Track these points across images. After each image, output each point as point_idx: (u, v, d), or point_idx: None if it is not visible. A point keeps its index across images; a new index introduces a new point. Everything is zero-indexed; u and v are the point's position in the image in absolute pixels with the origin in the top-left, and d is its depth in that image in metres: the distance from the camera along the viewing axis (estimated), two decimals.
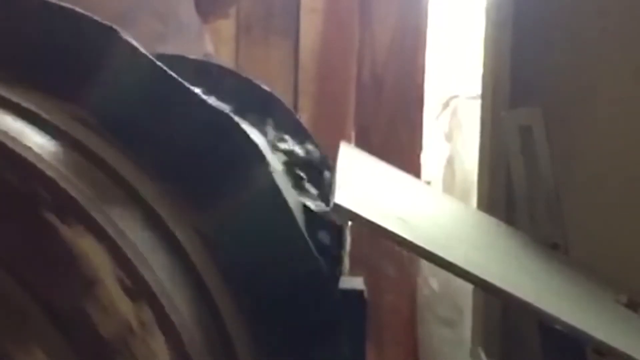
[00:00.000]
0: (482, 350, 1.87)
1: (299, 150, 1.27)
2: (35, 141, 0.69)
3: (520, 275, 1.18)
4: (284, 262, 0.78)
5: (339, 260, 1.36)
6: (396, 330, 2.46)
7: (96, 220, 0.64)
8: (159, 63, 0.77)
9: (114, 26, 0.76)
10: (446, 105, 2.47)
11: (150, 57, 0.77)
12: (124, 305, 0.63)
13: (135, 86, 0.76)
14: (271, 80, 2.36)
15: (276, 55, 2.41)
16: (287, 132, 1.32)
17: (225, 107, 0.80)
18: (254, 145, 0.80)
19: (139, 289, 0.64)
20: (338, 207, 0.85)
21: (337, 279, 1.15)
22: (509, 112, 1.72)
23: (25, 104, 0.73)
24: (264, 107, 1.28)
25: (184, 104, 0.77)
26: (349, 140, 2.42)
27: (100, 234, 0.64)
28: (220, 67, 1.33)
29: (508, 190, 1.76)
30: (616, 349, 0.99)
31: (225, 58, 2.35)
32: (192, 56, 1.24)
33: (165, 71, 0.77)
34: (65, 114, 0.73)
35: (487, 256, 1.16)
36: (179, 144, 0.77)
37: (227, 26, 2.38)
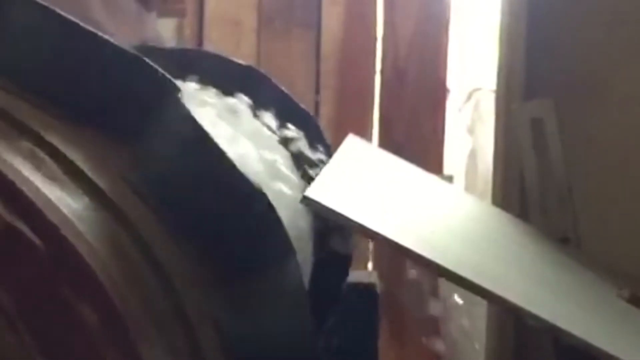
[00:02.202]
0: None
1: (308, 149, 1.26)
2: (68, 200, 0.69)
3: (514, 273, 1.17)
4: (207, 185, 0.77)
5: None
6: (418, 326, 2.45)
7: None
8: (57, 10, 0.76)
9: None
10: (469, 98, 2.46)
11: (50, 6, 0.76)
12: None
13: (37, 36, 0.76)
14: (293, 73, 2.37)
15: (298, 48, 2.42)
16: (284, 117, 1.31)
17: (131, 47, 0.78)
18: (163, 76, 0.78)
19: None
20: (307, 200, 0.85)
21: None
22: (521, 104, 1.71)
23: None
24: (250, 86, 1.27)
25: (86, 45, 0.76)
26: (371, 133, 2.42)
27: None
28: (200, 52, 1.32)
29: (521, 183, 1.74)
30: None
31: (246, 51, 2.36)
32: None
33: (63, 16, 0.76)
34: None
35: (478, 253, 1.15)
36: (90, 88, 0.76)
37: (248, 19, 2.39)
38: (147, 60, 0.78)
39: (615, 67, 1.72)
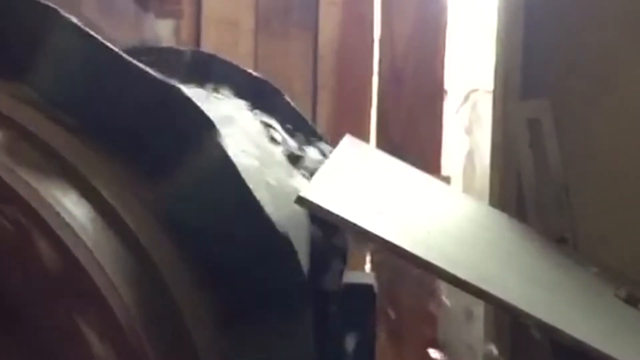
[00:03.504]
0: (494, 346, 1.86)
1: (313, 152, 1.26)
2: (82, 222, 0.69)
3: (510, 274, 1.17)
4: (235, 229, 0.77)
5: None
6: (416, 325, 2.45)
7: (31, 205, 0.65)
8: (99, 37, 0.77)
9: (53, 5, 0.76)
10: (466, 98, 2.46)
11: (92, 34, 0.77)
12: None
13: (78, 62, 0.76)
14: (290, 74, 2.37)
15: (295, 49, 2.41)
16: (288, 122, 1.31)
17: (172, 80, 0.78)
18: (202, 113, 0.78)
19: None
20: (302, 200, 0.85)
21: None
22: (518, 105, 1.71)
23: None
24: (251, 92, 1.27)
25: (125, 76, 0.76)
26: (368, 134, 2.42)
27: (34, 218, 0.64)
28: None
29: (518, 184, 1.75)
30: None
31: (244, 52, 2.36)
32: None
33: (105, 45, 0.76)
34: (7, 94, 0.74)
35: (475, 253, 1.15)
36: (123, 117, 0.76)
37: (246, 20, 2.39)
38: (186, 93, 0.78)
39: (612, 68, 1.72)
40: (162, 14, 1.88)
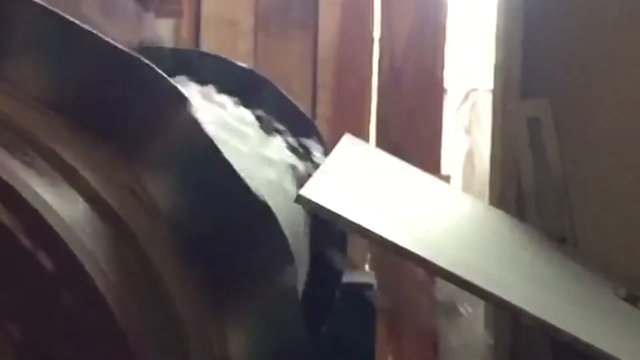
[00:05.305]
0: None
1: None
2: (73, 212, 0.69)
3: (510, 272, 1.17)
4: (218, 201, 0.77)
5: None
6: (415, 326, 2.45)
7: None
8: (219, 147, 0.76)
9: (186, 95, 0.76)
10: (466, 98, 2.46)
11: (212, 137, 0.76)
12: None
13: (192, 166, 0.76)
14: (290, 74, 2.37)
15: (295, 49, 2.41)
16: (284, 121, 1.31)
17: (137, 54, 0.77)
18: (170, 84, 0.77)
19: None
20: (301, 198, 0.85)
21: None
22: (517, 104, 1.71)
23: None
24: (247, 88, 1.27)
25: (232, 193, 0.76)
26: (368, 134, 2.42)
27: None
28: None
29: (518, 183, 1.75)
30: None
31: (243, 51, 2.35)
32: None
33: (221, 156, 0.76)
34: None
35: (474, 252, 1.15)
36: (96, 96, 0.76)
37: (245, 19, 2.39)
38: (156, 68, 0.77)
39: (611, 67, 1.72)
40: (161, 14, 1.87)
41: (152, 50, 1.26)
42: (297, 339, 0.80)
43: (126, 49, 0.76)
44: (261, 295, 0.79)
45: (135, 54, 0.76)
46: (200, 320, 0.76)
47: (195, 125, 0.76)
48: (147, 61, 0.77)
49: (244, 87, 1.26)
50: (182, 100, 0.77)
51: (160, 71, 0.77)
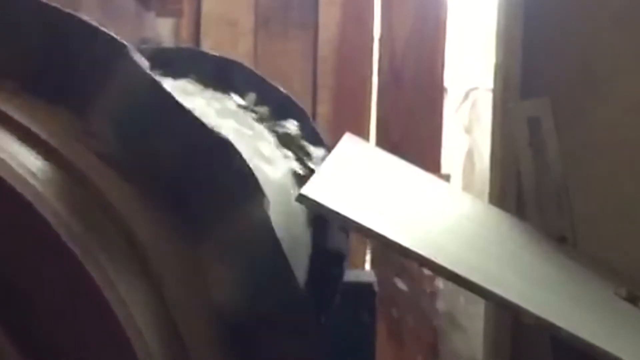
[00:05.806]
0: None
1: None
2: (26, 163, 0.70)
3: (510, 272, 1.17)
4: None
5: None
6: (415, 325, 2.45)
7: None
8: (162, 84, 0.76)
9: (125, 42, 0.77)
10: (466, 97, 2.46)
11: (154, 77, 0.76)
12: None
13: (137, 107, 0.76)
14: (290, 73, 2.37)
15: (295, 48, 2.41)
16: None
17: (224, 133, 0.77)
18: (252, 177, 0.77)
19: None
20: (303, 197, 0.85)
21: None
22: (518, 103, 1.71)
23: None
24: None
25: (182, 128, 0.76)
26: (368, 133, 2.42)
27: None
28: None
29: (518, 182, 1.75)
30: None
31: (243, 51, 2.36)
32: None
33: (165, 91, 0.76)
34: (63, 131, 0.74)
35: (474, 251, 1.15)
36: (174, 168, 0.76)
37: (245, 19, 2.39)
38: (90, 21, 0.77)
39: (612, 66, 1.72)
40: (162, 13, 1.88)
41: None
42: (280, 268, 0.77)
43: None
44: (232, 226, 0.77)
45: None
46: (174, 260, 0.75)
47: (136, 68, 0.76)
48: (81, 16, 0.77)
49: (221, 75, 1.26)
50: (122, 47, 0.77)
51: (95, 23, 0.77)
